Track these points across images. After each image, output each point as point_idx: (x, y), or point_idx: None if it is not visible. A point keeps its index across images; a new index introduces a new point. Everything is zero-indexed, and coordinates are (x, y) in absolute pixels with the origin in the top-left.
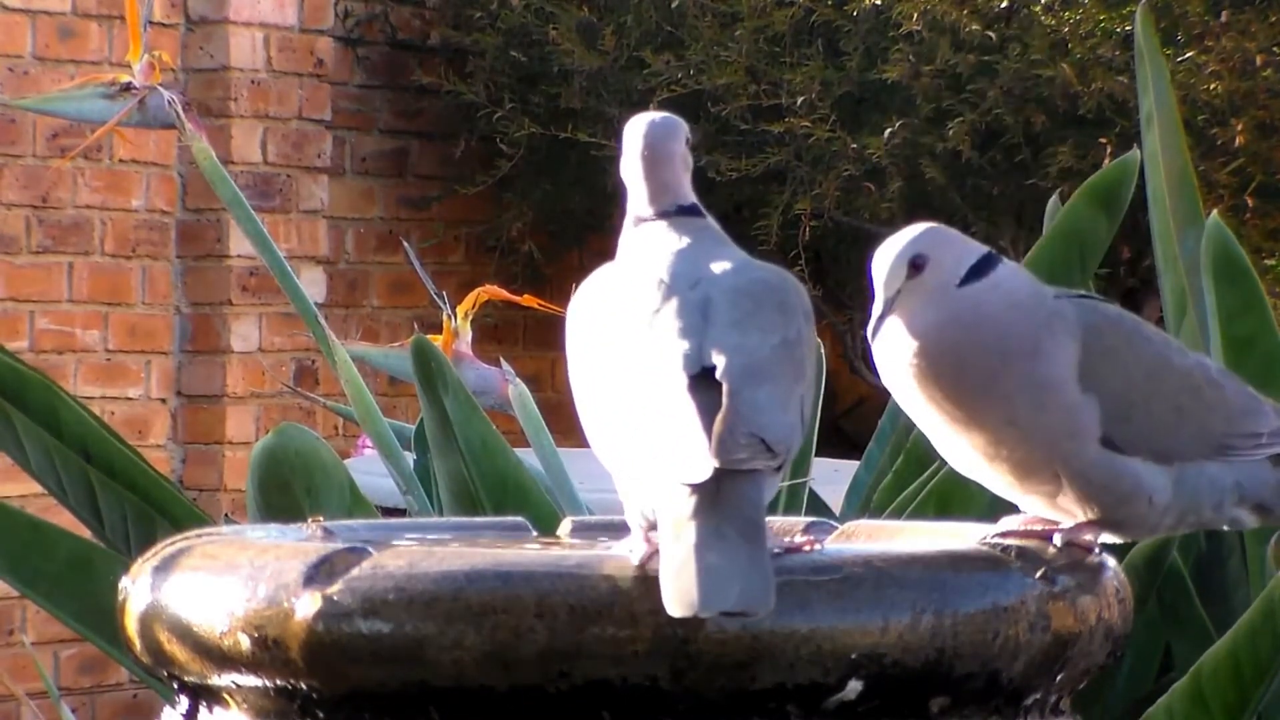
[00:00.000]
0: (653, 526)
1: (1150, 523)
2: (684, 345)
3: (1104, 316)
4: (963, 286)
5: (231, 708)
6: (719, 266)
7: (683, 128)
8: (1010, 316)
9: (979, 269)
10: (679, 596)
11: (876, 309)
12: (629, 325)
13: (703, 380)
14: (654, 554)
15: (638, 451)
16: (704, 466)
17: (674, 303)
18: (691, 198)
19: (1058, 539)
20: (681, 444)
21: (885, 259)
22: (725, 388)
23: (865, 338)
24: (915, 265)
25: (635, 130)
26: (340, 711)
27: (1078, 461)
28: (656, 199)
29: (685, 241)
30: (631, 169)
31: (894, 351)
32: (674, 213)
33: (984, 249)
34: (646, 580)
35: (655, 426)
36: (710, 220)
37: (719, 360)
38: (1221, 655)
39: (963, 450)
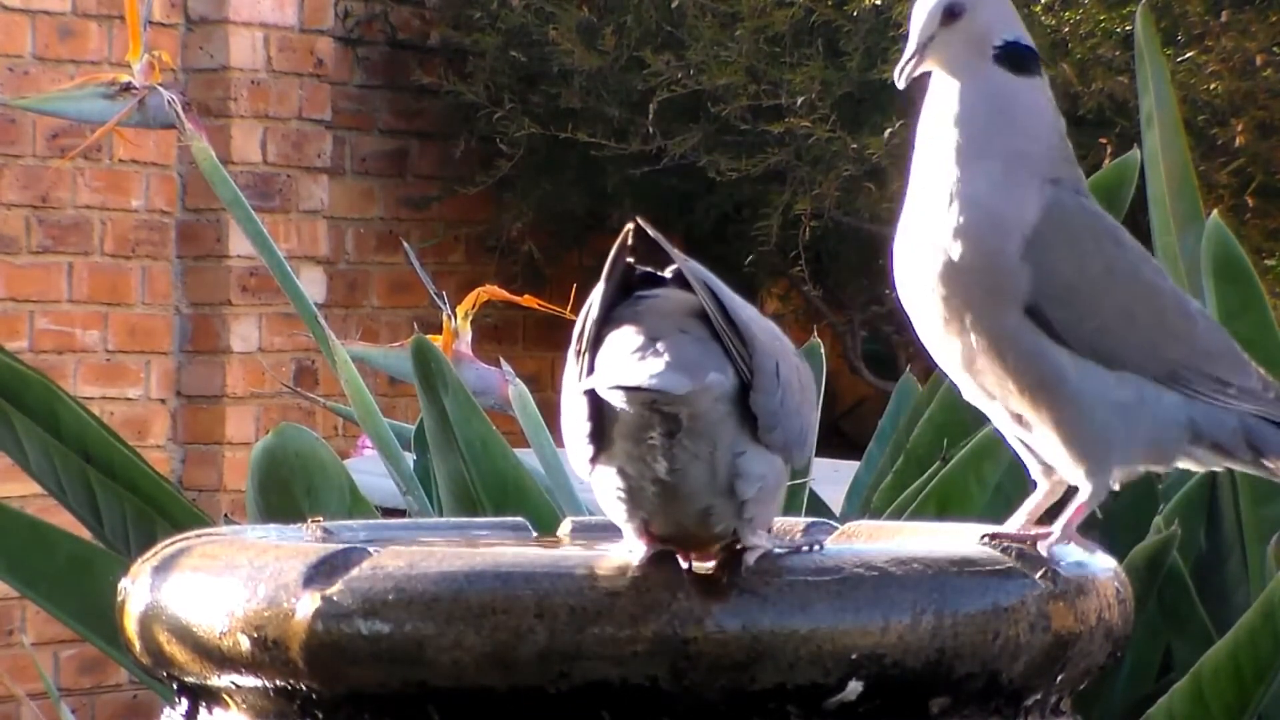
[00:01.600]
0: (645, 525)
1: (1094, 437)
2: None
3: (1081, 207)
4: (998, 64)
5: (231, 708)
6: None
7: None
8: (1011, 144)
9: (1020, 55)
10: (593, 378)
11: (907, 53)
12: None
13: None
14: (654, 554)
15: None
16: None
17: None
18: None
19: (1041, 546)
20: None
21: (924, 2)
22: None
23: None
24: (951, 12)
25: None
26: (340, 712)
27: (991, 323)
28: None
29: None
30: None
31: (925, 112)
32: None
33: (1023, 31)
34: (647, 581)
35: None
36: None
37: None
38: (1222, 656)
39: (915, 274)
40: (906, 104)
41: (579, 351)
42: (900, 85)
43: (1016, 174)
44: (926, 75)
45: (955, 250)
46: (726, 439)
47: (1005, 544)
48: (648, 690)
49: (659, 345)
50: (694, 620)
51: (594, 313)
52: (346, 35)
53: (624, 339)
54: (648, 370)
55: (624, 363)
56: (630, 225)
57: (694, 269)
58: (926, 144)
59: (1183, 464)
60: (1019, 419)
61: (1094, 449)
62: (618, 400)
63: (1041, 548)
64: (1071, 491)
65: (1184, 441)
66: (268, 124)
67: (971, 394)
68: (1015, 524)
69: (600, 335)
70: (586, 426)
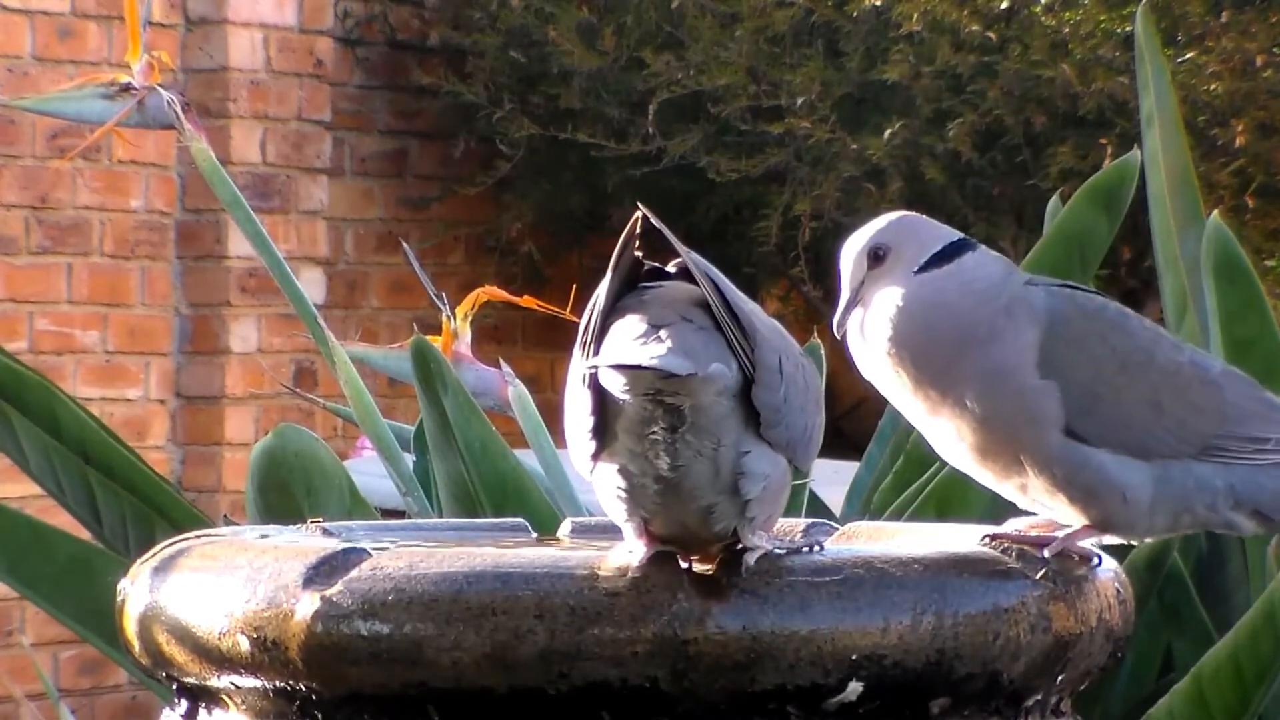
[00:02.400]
0: (645, 524)
1: (1137, 521)
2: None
3: (1076, 306)
4: (921, 273)
5: (230, 709)
6: None
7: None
8: (965, 302)
9: (944, 255)
10: (595, 358)
11: (841, 303)
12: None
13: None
14: (654, 554)
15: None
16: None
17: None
18: None
19: (1048, 551)
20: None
21: (849, 252)
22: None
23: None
24: (876, 256)
25: None
26: (339, 712)
27: (1037, 449)
28: None
29: None
30: None
31: (861, 344)
32: None
33: (954, 235)
34: (647, 581)
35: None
36: None
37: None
38: (1222, 656)
39: (938, 437)
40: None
41: (584, 343)
42: (839, 335)
43: (994, 327)
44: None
45: (987, 429)
46: (730, 436)
47: (1005, 545)
48: (648, 691)
49: (662, 332)
50: (694, 620)
51: (600, 303)
52: (346, 35)
53: (628, 327)
54: (650, 352)
55: (627, 346)
56: (638, 214)
57: (698, 261)
58: (893, 369)
59: (1225, 530)
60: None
61: (1133, 531)
62: (619, 384)
63: (1047, 551)
64: None
65: (1224, 509)
66: (267, 124)
67: (1015, 500)
68: (1020, 524)
69: (605, 326)
70: (589, 421)
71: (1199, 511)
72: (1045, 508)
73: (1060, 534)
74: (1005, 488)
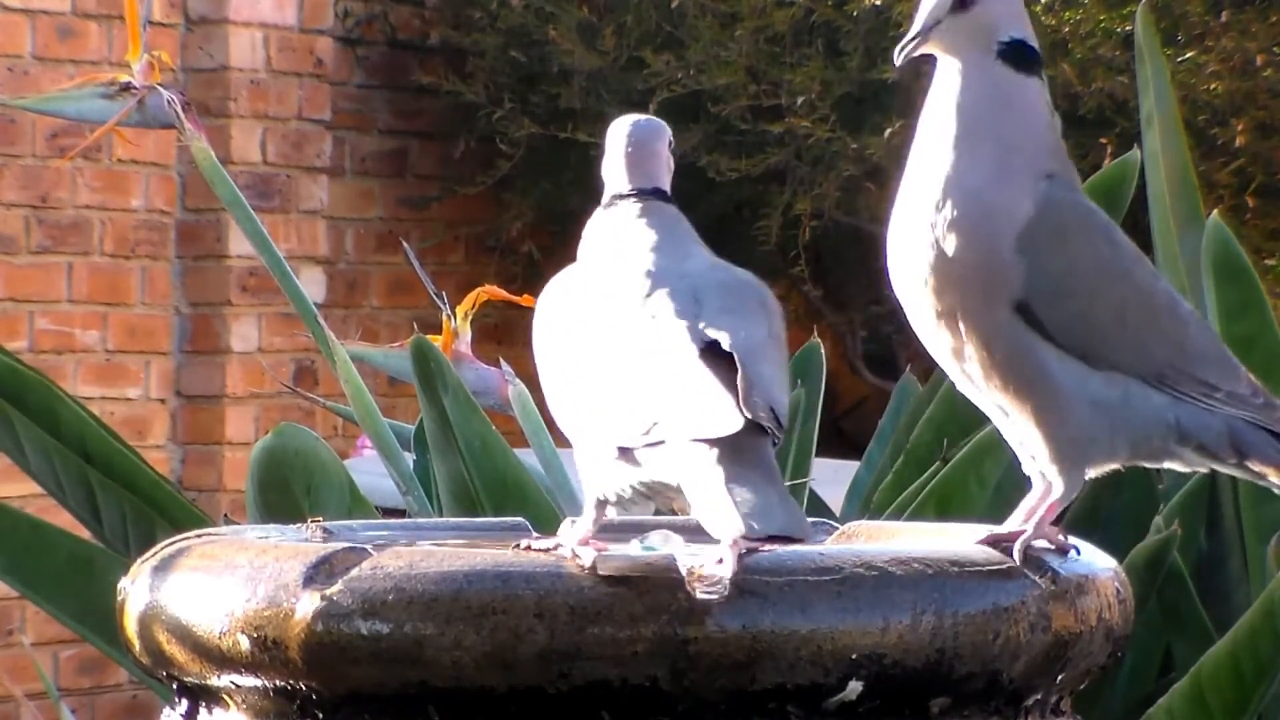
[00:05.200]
0: (616, 501)
1: (1072, 434)
2: (686, 323)
3: (1075, 203)
4: (1001, 59)
5: (231, 708)
6: (699, 263)
7: (666, 130)
8: (1016, 134)
9: (1023, 54)
10: (727, 524)
11: (912, 32)
12: (621, 310)
13: (708, 354)
14: (654, 556)
15: (645, 415)
16: (734, 419)
17: (666, 290)
18: (666, 186)
19: (1015, 549)
20: (708, 402)
21: None
22: (737, 358)
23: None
24: (963, 1)
25: (620, 129)
26: (340, 712)
27: (980, 318)
28: (634, 180)
29: (661, 235)
30: (613, 163)
31: (926, 103)
32: (649, 194)
33: (1028, 30)
34: (647, 581)
35: (672, 390)
36: (678, 211)
37: (723, 338)
38: (1222, 656)
39: (907, 264)
40: (906, 104)
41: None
42: (898, 63)
43: (1012, 167)
44: (924, 65)
45: (949, 243)
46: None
47: (990, 544)
48: (648, 690)
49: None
50: (694, 620)
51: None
52: (346, 35)
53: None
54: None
55: (734, 504)
56: None
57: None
58: (925, 132)
59: (1169, 464)
60: (1003, 411)
61: (1071, 446)
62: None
63: (1016, 548)
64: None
65: (1169, 441)
66: (267, 124)
67: (960, 383)
68: (1011, 525)
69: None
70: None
71: (1154, 441)
72: (974, 388)
73: (1030, 523)
74: (952, 367)
